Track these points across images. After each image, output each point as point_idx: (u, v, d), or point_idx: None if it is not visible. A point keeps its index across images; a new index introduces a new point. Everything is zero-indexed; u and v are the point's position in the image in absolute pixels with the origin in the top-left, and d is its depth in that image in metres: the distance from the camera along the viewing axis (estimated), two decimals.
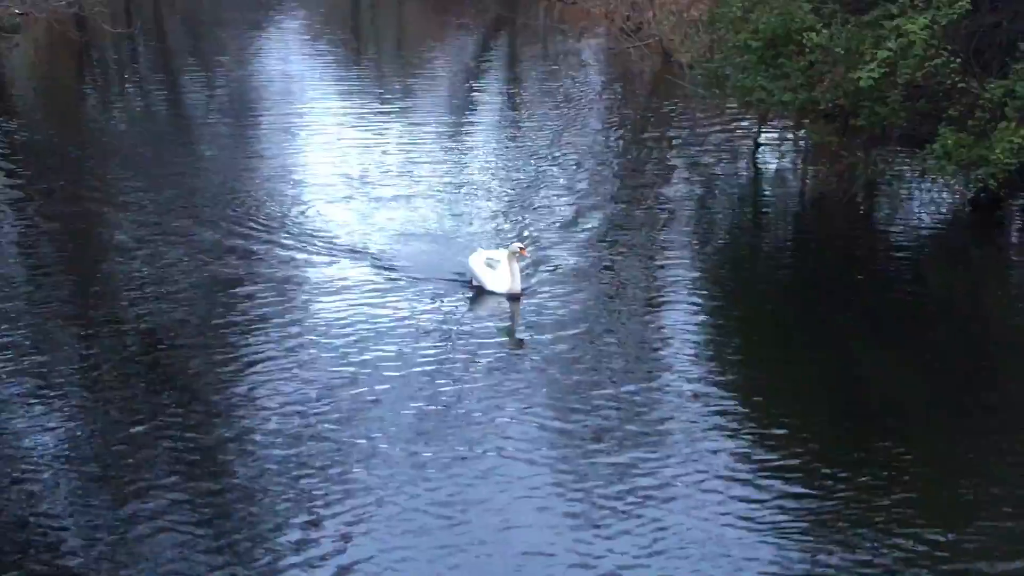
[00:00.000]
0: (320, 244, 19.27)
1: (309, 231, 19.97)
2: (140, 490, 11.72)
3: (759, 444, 12.90)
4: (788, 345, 16.31)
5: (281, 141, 27.24)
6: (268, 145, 27.07)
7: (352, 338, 15.40)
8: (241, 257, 18.61)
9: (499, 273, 16.67)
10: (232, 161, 25.80)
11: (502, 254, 16.78)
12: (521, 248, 16.63)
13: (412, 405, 13.52)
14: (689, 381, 14.46)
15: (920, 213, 22.59)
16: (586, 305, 16.83)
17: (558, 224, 20.58)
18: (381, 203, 21.92)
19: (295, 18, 49.02)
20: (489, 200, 22.20)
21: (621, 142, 28.36)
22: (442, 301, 16.68)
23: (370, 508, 11.44)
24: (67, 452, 12.61)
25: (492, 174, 24.38)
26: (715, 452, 12.69)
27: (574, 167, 24.96)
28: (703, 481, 12.04)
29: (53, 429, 13.02)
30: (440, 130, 28.91)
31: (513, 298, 16.52)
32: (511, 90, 35.32)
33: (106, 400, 13.90)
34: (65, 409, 13.55)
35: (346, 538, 10.94)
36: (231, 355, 15.02)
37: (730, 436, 13.10)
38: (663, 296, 17.56)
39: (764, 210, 23.39)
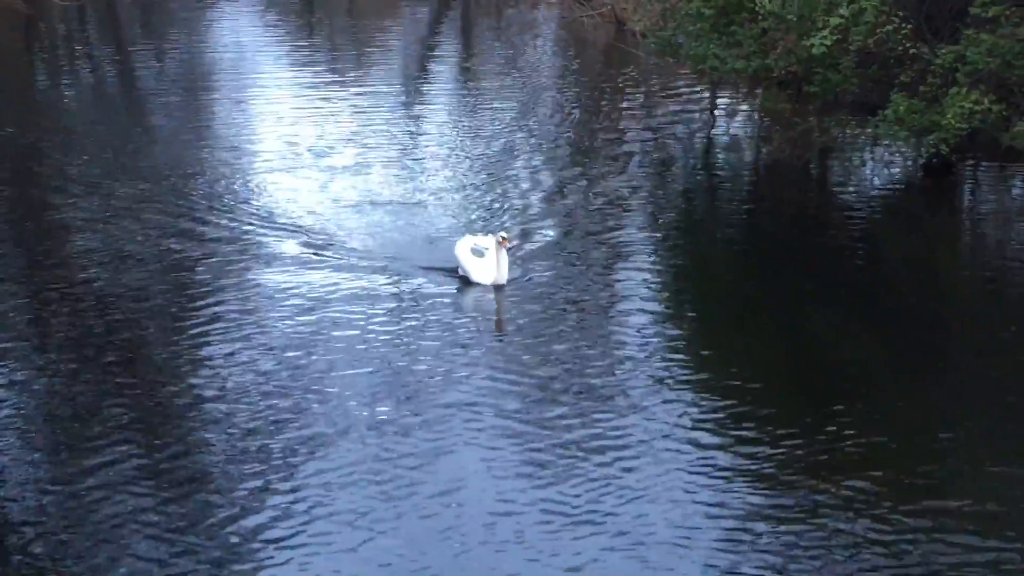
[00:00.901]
0: (269, 216, 19.11)
1: (259, 203, 19.84)
2: (91, 457, 11.58)
3: (715, 405, 12.97)
4: (744, 309, 16.37)
5: (232, 113, 27.03)
6: (219, 117, 26.87)
7: (304, 307, 15.38)
8: (190, 230, 18.40)
9: (485, 262, 16.04)
10: (182, 133, 25.58)
11: (490, 241, 16.00)
12: (504, 238, 15.83)
13: (367, 371, 13.49)
14: (645, 345, 14.51)
15: (873, 179, 22.73)
16: (542, 273, 16.78)
17: (512, 195, 20.56)
18: (333, 173, 21.81)
19: None
20: (442, 172, 22.10)
21: (575, 112, 28.31)
22: (389, 274, 16.62)
23: (326, 466, 11.42)
24: (16, 421, 12.49)
25: (445, 146, 24.31)
26: (670, 412, 12.72)
27: (527, 137, 24.93)
28: (659, 440, 12.11)
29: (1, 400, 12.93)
30: (393, 101, 28.77)
31: (498, 288, 15.95)
32: (464, 60, 35.22)
33: (56, 369, 13.74)
34: (14, 380, 13.42)
35: (299, 495, 10.94)
36: (182, 324, 14.89)
37: (686, 398, 13.16)
38: (620, 263, 17.54)
39: (718, 177, 23.44)
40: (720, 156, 25.01)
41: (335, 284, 16.14)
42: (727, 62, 21.59)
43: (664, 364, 14.02)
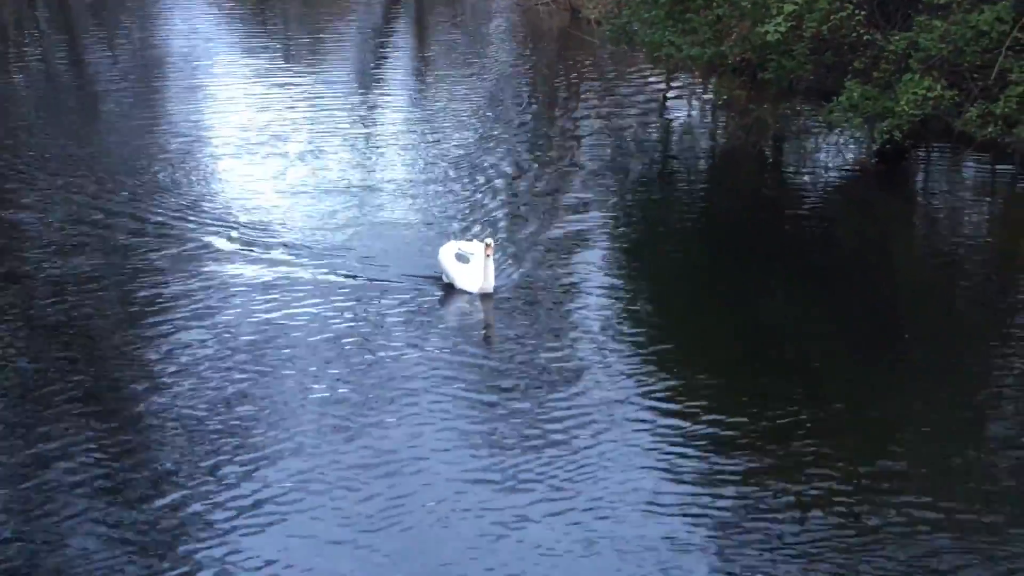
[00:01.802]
0: (219, 205, 19.04)
1: (208, 191, 19.83)
2: (46, 450, 11.50)
3: (671, 384, 13.15)
4: (697, 295, 16.49)
5: (185, 101, 26.82)
6: (171, 105, 26.63)
7: (258, 297, 15.36)
8: (142, 219, 18.26)
9: (471, 269, 15.42)
10: (133, 121, 25.31)
11: (476, 247, 15.45)
12: (488, 245, 15.16)
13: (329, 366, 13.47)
14: (604, 329, 14.63)
15: (827, 165, 22.88)
16: (497, 263, 16.74)
17: (464, 181, 20.56)
18: (287, 160, 21.80)
19: None
20: (393, 160, 22.10)
21: (529, 99, 28.27)
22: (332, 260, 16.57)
23: (288, 462, 11.37)
24: None
25: (397, 135, 24.25)
26: (628, 390, 12.93)
27: (480, 125, 24.88)
28: (618, 413, 12.33)
29: None
30: (347, 88, 28.61)
31: (485, 296, 15.39)
32: (418, 48, 35.09)
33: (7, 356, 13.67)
34: None
35: (257, 484, 10.91)
36: (132, 313, 14.87)
37: (643, 376, 13.34)
38: (573, 250, 17.53)
39: (673, 164, 23.51)
40: (675, 143, 25.07)
41: (277, 274, 16.10)
42: (682, 49, 21.63)
43: (620, 345, 14.18)
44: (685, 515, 10.64)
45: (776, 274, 16.83)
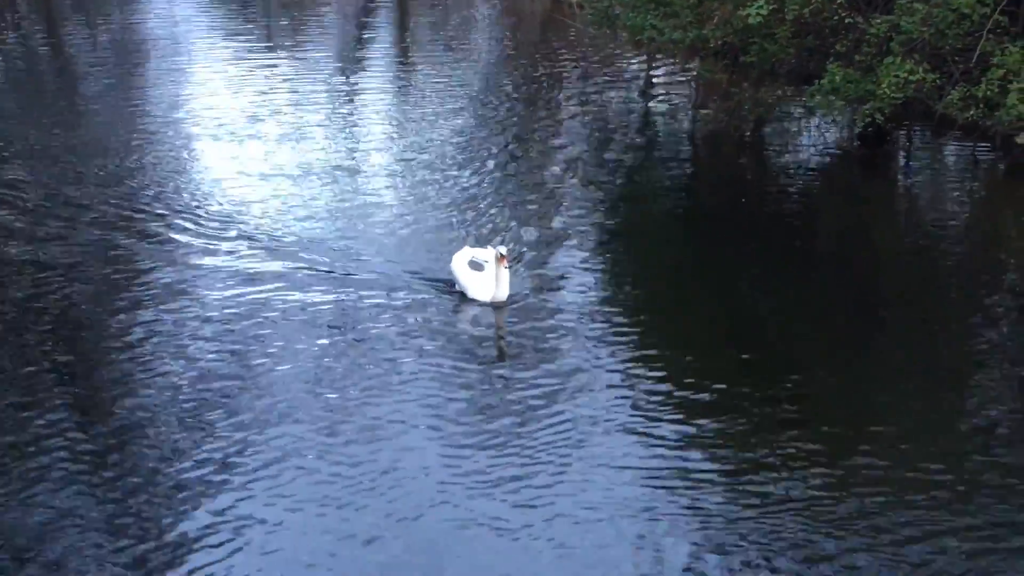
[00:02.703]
0: (200, 194, 18.94)
1: (189, 178, 19.71)
2: (21, 443, 11.46)
3: (654, 373, 13.07)
4: (679, 280, 16.46)
5: (166, 86, 26.69)
6: (152, 90, 26.50)
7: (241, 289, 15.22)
8: (122, 207, 18.14)
9: (484, 278, 14.85)
10: (115, 106, 25.20)
11: (490, 254, 14.81)
12: (502, 256, 14.51)
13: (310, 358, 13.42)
14: (582, 316, 14.55)
15: (809, 149, 22.87)
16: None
17: (448, 167, 20.48)
18: (268, 146, 21.71)
19: None
20: (373, 146, 22.05)
21: (512, 84, 28.19)
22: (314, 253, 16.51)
23: (266, 461, 11.32)
24: None
25: (378, 122, 24.19)
26: (611, 380, 12.88)
27: (464, 110, 24.81)
28: (601, 406, 12.25)
29: None
30: (328, 75, 28.52)
31: (497, 306, 14.87)
32: (400, 35, 34.98)
33: None
34: None
35: (237, 485, 10.82)
36: (111, 305, 14.76)
37: (626, 365, 13.29)
38: (556, 237, 17.50)
39: (655, 148, 23.45)
40: (657, 126, 25.03)
41: (264, 267, 15.97)
42: (664, 33, 21.63)
43: (602, 331, 14.12)
44: (686, 515, 10.53)
45: (758, 257, 16.81)
